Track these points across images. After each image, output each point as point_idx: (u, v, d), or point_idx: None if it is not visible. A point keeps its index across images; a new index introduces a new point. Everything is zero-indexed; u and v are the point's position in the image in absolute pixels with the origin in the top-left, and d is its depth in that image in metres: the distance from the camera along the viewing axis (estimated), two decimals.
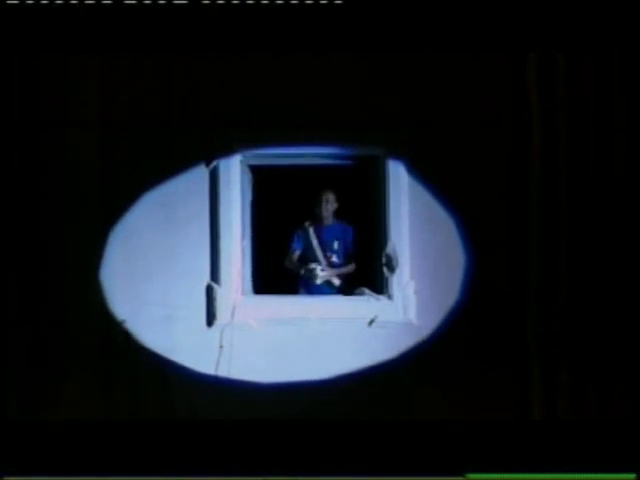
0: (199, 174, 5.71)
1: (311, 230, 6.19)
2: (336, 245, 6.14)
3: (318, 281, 6.04)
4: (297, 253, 6.23)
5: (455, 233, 5.62)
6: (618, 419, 5.35)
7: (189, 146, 5.68)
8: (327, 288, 6.14)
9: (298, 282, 6.22)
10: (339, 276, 6.17)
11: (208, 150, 5.70)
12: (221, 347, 5.60)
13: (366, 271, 6.04)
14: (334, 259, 6.17)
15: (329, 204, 6.10)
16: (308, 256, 6.20)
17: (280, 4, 5.13)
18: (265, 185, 6.23)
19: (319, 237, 6.17)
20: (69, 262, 5.61)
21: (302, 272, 6.13)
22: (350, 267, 6.18)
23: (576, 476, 4.60)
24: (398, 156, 5.66)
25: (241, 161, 5.83)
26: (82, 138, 5.60)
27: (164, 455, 4.96)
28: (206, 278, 5.71)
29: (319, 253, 6.15)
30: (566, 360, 5.51)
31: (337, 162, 5.91)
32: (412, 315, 5.65)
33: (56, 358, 5.56)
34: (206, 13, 5.15)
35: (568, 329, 5.53)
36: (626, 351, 5.44)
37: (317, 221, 6.21)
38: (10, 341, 5.53)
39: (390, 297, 5.72)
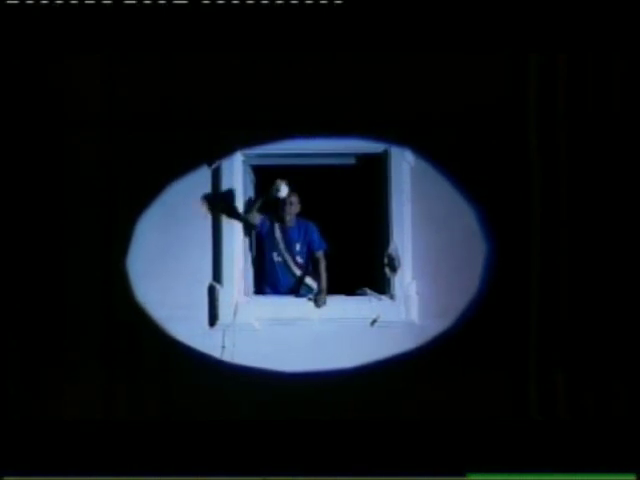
0: (202, 174, 5.71)
1: (277, 227, 5.97)
2: (298, 247, 5.99)
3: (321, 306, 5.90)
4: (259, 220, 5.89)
5: (456, 233, 5.62)
6: (618, 419, 5.35)
7: (191, 146, 5.68)
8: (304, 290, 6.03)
9: (263, 282, 6.04)
10: (315, 279, 6.01)
11: (210, 150, 5.71)
12: (223, 347, 5.60)
13: (368, 271, 6.02)
14: (298, 259, 6.09)
15: (293, 206, 5.92)
16: (272, 249, 5.97)
17: (280, 4, 5.14)
18: (267, 185, 6.21)
19: (284, 237, 5.99)
20: (69, 262, 5.61)
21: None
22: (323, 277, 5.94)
23: (576, 476, 4.61)
24: (400, 157, 5.68)
25: (243, 161, 5.84)
26: (82, 138, 5.62)
27: (164, 455, 4.97)
28: (208, 278, 5.71)
29: (287, 256, 6.04)
30: (565, 360, 5.51)
31: (339, 162, 5.91)
32: (414, 315, 5.65)
33: (56, 358, 5.57)
34: (206, 13, 5.17)
35: (568, 329, 5.52)
36: (626, 351, 5.44)
37: (279, 221, 5.99)
38: (10, 341, 5.54)
39: (392, 297, 5.72)
